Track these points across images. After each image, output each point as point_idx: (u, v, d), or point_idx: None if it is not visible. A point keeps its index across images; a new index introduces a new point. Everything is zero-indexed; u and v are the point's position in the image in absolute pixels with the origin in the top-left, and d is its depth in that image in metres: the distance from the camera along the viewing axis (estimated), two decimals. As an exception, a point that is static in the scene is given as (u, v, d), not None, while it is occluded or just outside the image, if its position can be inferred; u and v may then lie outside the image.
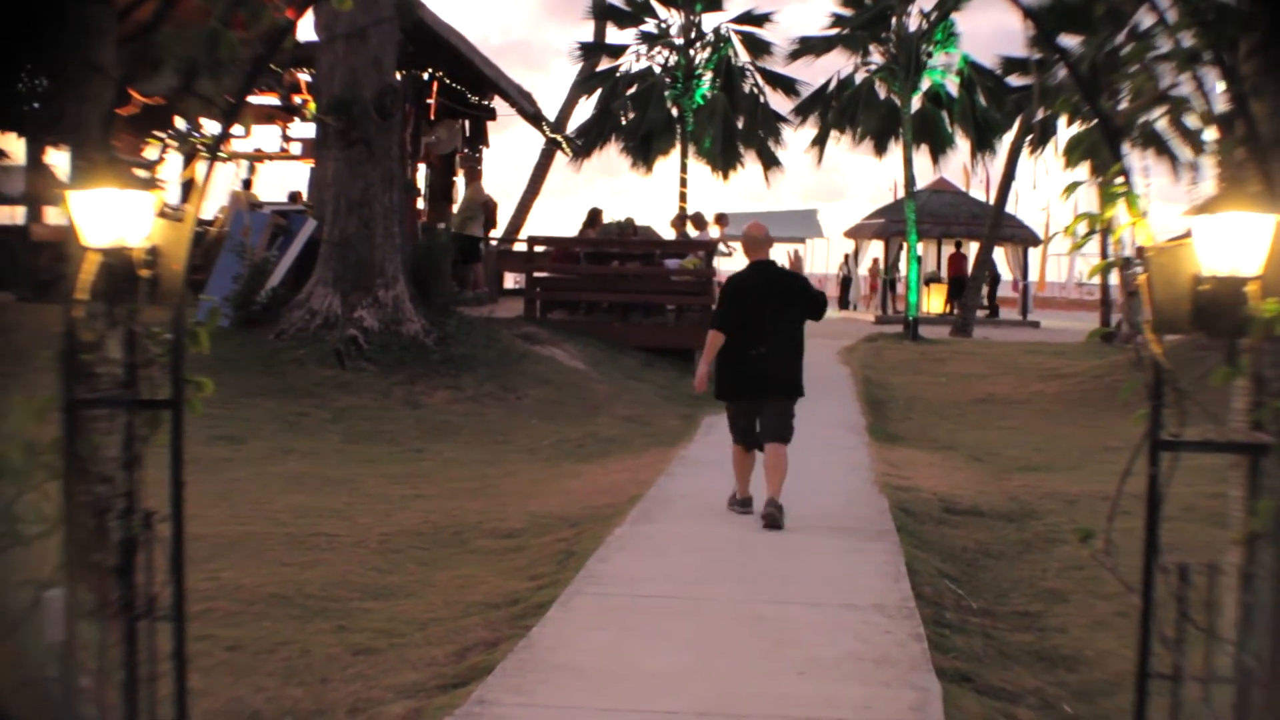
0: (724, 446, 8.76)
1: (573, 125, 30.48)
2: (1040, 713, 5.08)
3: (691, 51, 29.95)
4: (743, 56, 30.33)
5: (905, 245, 28.93)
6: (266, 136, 21.20)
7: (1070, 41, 17.55)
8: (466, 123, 22.32)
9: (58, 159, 13.52)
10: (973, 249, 32.42)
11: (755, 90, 30.59)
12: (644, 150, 30.05)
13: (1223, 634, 3.41)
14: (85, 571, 3.55)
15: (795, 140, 50.50)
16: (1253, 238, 3.33)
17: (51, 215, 15.85)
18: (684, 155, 29.98)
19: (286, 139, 21.16)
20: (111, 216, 3.51)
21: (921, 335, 25.26)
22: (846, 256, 42.51)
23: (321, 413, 12.82)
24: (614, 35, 30.75)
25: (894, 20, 28.16)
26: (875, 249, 39.36)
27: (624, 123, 30.11)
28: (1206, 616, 3.42)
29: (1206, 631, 3.40)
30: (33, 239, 15.83)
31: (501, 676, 5.02)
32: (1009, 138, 28.52)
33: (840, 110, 29.68)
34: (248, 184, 21.15)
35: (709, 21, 30.20)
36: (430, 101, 20.37)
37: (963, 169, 34.75)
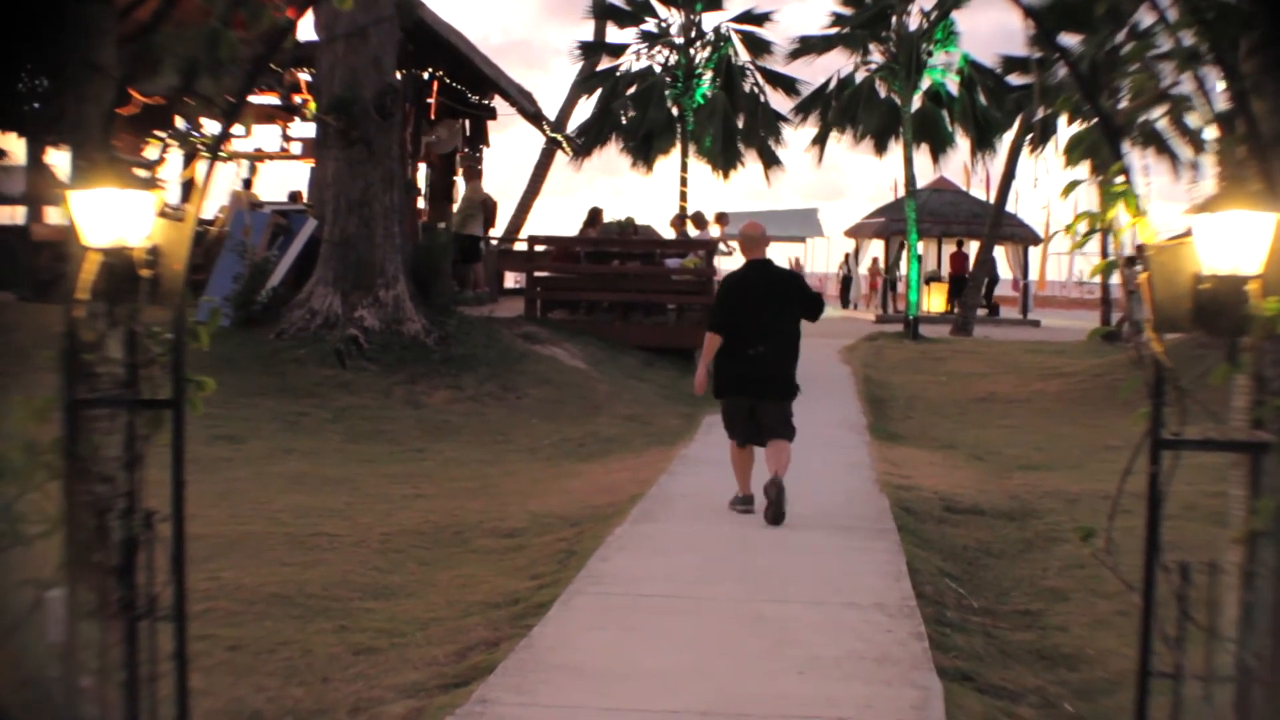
0: (725, 446, 8.76)
1: (573, 124, 30.50)
2: (1041, 711, 5.08)
3: (692, 51, 29.96)
4: (743, 56, 30.36)
5: (905, 244, 28.93)
6: (267, 136, 21.23)
7: (1070, 40, 17.58)
8: (467, 122, 22.31)
9: (58, 159, 13.52)
10: (973, 248, 32.44)
11: (755, 89, 30.60)
12: (644, 149, 30.06)
13: (1224, 633, 3.41)
14: (86, 571, 3.55)
15: (795, 139, 50.50)
16: (1253, 236, 3.33)
17: (52, 215, 15.87)
18: (684, 154, 29.99)
19: (287, 139, 21.16)
20: (112, 216, 3.51)
21: (922, 334, 25.27)
22: (847, 256, 42.54)
23: (322, 412, 12.82)
24: (614, 35, 30.79)
25: (894, 19, 28.15)
26: (876, 248, 39.40)
27: (624, 122, 30.11)
28: (1207, 615, 3.43)
29: (1207, 630, 3.40)
30: (33, 239, 15.85)
31: (503, 676, 5.02)
32: (1009, 136, 28.55)
33: (840, 109, 29.67)
34: (248, 184, 21.15)
35: (709, 21, 30.25)
36: (430, 101, 20.36)
37: (963, 168, 34.78)
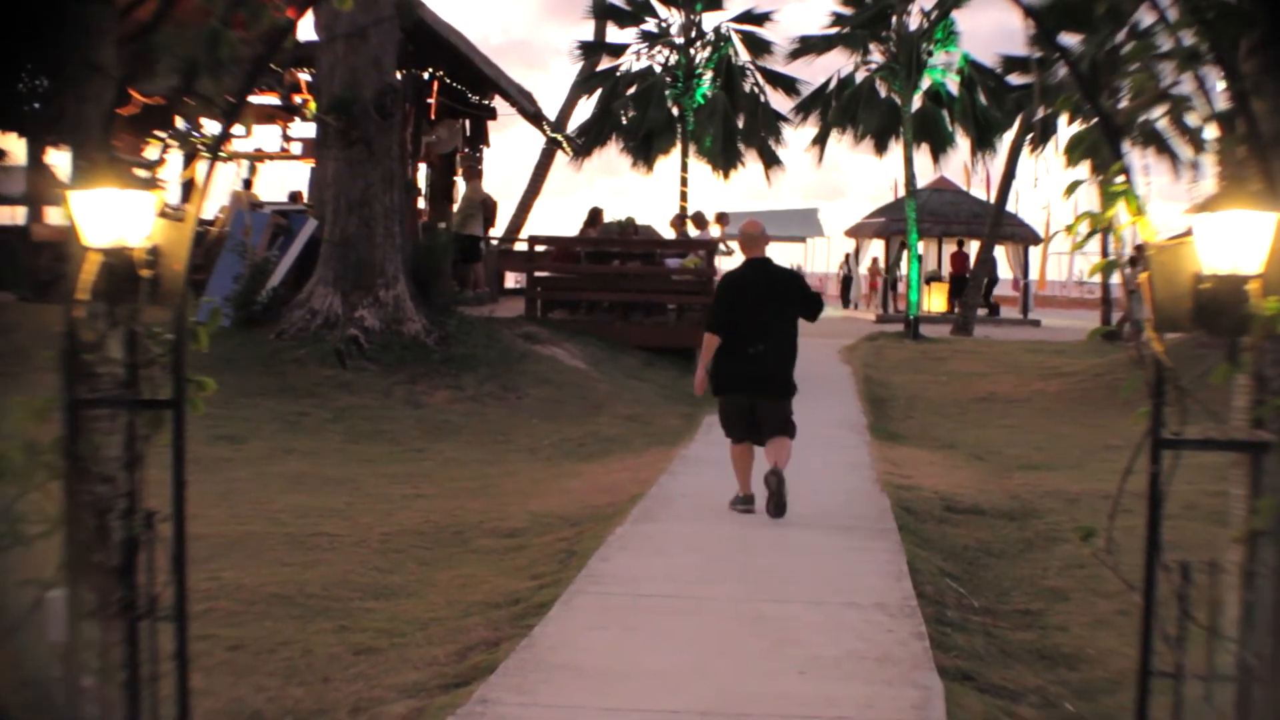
0: (725, 446, 8.76)
1: (573, 124, 30.51)
2: (1042, 711, 5.08)
3: (692, 51, 29.97)
4: (743, 55, 30.38)
5: (906, 244, 28.93)
6: (267, 136, 21.23)
7: (1071, 40, 17.56)
8: (467, 122, 22.32)
9: (58, 159, 13.53)
10: (973, 248, 32.44)
11: (756, 89, 30.60)
12: (644, 149, 30.07)
13: (1224, 632, 3.41)
14: (87, 571, 3.55)
15: (796, 139, 50.47)
16: (1253, 236, 3.33)
17: (52, 215, 15.87)
18: (684, 154, 30.00)
19: (287, 139, 21.16)
20: (112, 216, 3.51)
21: (922, 334, 25.27)
22: (847, 255, 42.54)
23: (322, 412, 12.82)
24: (614, 34, 30.81)
25: (894, 19, 28.15)
26: (876, 248, 39.41)
27: (624, 122, 30.12)
28: (1208, 614, 3.43)
29: (1208, 629, 3.40)
30: (33, 239, 15.85)
31: (503, 676, 5.02)
32: (1009, 136, 28.54)
33: (841, 109, 29.67)
34: (248, 184, 21.16)
35: (709, 21, 30.27)
36: (430, 101, 20.37)
37: (963, 168, 34.77)
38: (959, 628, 6.10)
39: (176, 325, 3.61)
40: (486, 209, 21.01)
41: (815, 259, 47.18)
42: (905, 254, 29.13)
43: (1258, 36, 3.58)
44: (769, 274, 8.65)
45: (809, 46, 29.34)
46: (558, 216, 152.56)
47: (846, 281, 42.16)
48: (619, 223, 20.02)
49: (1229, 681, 3.41)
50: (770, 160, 31.02)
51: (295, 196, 20.46)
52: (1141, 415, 3.43)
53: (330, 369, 13.97)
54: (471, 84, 20.99)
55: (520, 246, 23.69)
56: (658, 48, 30.30)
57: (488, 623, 5.97)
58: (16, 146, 16.17)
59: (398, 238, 15.45)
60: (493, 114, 22.92)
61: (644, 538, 7.65)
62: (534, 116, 22.79)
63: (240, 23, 3.60)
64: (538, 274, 19.39)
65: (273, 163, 21.90)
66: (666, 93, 29.86)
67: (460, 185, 21.57)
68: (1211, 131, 3.90)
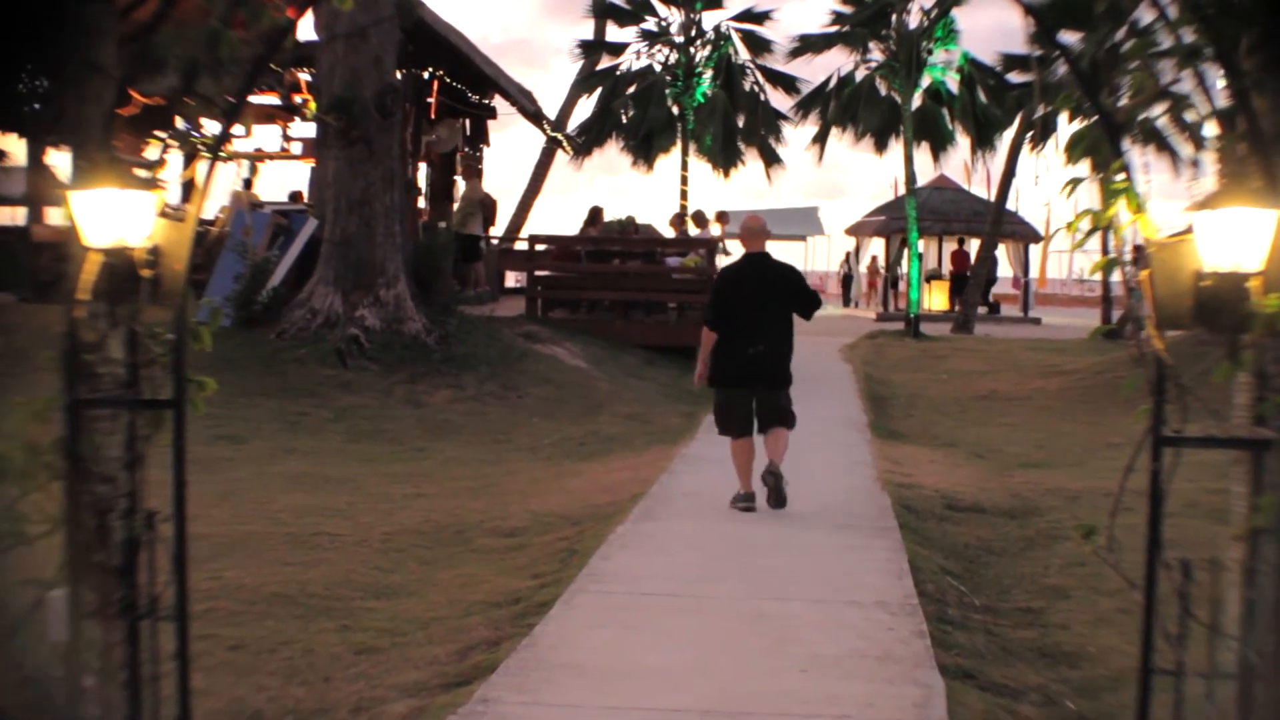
0: (725, 444, 8.76)
1: (573, 124, 30.53)
2: (1043, 709, 5.08)
3: (692, 49, 29.98)
4: (743, 54, 30.40)
5: (906, 242, 28.93)
6: (267, 136, 21.23)
7: (1071, 38, 17.56)
8: (467, 121, 22.32)
9: (58, 159, 13.55)
10: (974, 246, 32.43)
11: (756, 88, 30.62)
12: (645, 148, 30.09)
13: (1225, 629, 3.41)
14: (88, 571, 3.55)
15: (796, 138, 50.59)
16: (1254, 233, 3.33)
17: (52, 216, 15.88)
18: (685, 153, 30.01)
19: (287, 139, 21.16)
20: (112, 216, 3.51)
21: (923, 332, 25.27)
22: (848, 254, 42.53)
23: (323, 412, 12.82)
24: (614, 33, 30.83)
25: (894, 17, 28.15)
26: (876, 246, 39.40)
27: (624, 121, 30.15)
28: (1209, 612, 3.43)
29: (1209, 627, 3.40)
30: (34, 239, 15.86)
31: (504, 675, 5.02)
32: (1009, 134, 28.55)
33: (841, 107, 29.68)
34: (248, 184, 21.16)
35: (709, 19, 30.30)
36: (431, 100, 20.37)
37: (963, 166, 34.74)
38: (960, 626, 6.10)
39: (177, 325, 3.61)
40: (486, 208, 21.02)
41: (815, 257, 47.21)
42: (906, 252, 29.12)
43: (1258, 33, 3.57)
44: (766, 268, 8.65)
45: (809, 45, 29.34)
46: (558, 215, 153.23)
47: (847, 280, 42.16)
48: (619, 222, 20.02)
49: (1230, 679, 3.41)
50: (770, 159, 31.03)
51: (295, 196, 20.46)
52: (1142, 413, 3.43)
53: (331, 369, 13.97)
54: (471, 83, 21.00)
55: (520, 246, 23.70)
56: (658, 46, 30.32)
57: (489, 622, 5.97)
58: (17, 147, 16.19)
59: (398, 237, 15.46)
60: (493, 113, 22.93)
61: (645, 536, 7.65)
62: (534, 116, 22.79)
63: (240, 23, 3.60)
64: (538, 273, 19.39)
65: (273, 163, 21.91)
66: (666, 91, 29.88)
67: (460, 184, 21.57)
68: (1212, 129, 3.91)
